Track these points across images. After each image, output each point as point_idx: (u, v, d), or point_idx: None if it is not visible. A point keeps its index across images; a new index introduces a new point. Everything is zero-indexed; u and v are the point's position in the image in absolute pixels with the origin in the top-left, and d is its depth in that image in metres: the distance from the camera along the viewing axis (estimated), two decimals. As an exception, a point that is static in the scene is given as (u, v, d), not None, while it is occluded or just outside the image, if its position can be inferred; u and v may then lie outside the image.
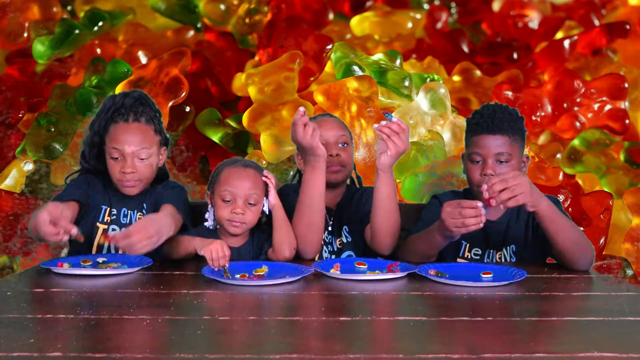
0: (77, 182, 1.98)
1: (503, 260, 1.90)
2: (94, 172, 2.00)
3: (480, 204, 1.60)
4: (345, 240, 2.01)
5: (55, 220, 1.62)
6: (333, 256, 2.00)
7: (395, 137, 1.75)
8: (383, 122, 1.77)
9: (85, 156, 2.00)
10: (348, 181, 2.10)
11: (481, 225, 1.60)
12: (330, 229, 2.02)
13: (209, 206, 1.90)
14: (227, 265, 1.61)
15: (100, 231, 1.96)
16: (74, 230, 1.64)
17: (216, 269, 1.61)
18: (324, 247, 2.00)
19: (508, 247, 1.91)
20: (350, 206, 2.02)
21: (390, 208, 1.82)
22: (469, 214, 1.59)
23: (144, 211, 1.98)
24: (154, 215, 1.76)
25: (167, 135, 2.05)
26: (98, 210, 1.97)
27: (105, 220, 1.97)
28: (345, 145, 2.01)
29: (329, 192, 1.97)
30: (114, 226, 1.97)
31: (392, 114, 1.73)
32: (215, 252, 1.61)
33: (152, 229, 1.65)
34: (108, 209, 1.98)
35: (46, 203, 1.99)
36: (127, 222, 1.97)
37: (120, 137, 1.91)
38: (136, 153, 1.90)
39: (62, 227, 1.62)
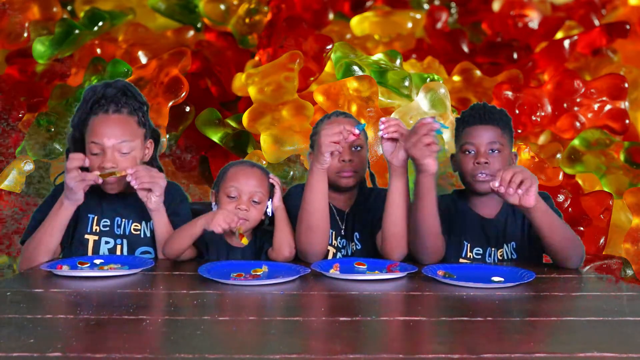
0: (47, 203, 1.85)
1: (505, 257, 1.91)
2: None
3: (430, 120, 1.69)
4: (355, 248, 1.94)
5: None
6: None
7: (400, 128, 1.73)
8: (382, 125, 1.74)
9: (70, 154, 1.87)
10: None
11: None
12: (343, 233, 1.95)
13: (213, 205, 1.90)
14: (240, 227, 1.72)
15: (90, 244, 1.84)
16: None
17: (231, 229, 1.72)
18: (338, 253, 1.93)
19: (508, 244, 1.91)
20: (363, 211, 1.94)
21: (406, 207, 1.77)
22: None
23: (150, 223, 1.85)
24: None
25: (155, 128, 1.93)
26: (83, 219, 1.84)
27: (94, 230, 1.85)
28: (359, 148, 1.91)
29: (341, 195, 1.94)
30: (107, 238, 1.85)
31: (361, 123, 1.76)
32: (224, 221, 1.71)
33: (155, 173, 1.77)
34: (96, 217, 1.85)
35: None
36: (121, 232, 1.86)
37: (100, 130, 1.78)
38: (117, 146, 1.77)
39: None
